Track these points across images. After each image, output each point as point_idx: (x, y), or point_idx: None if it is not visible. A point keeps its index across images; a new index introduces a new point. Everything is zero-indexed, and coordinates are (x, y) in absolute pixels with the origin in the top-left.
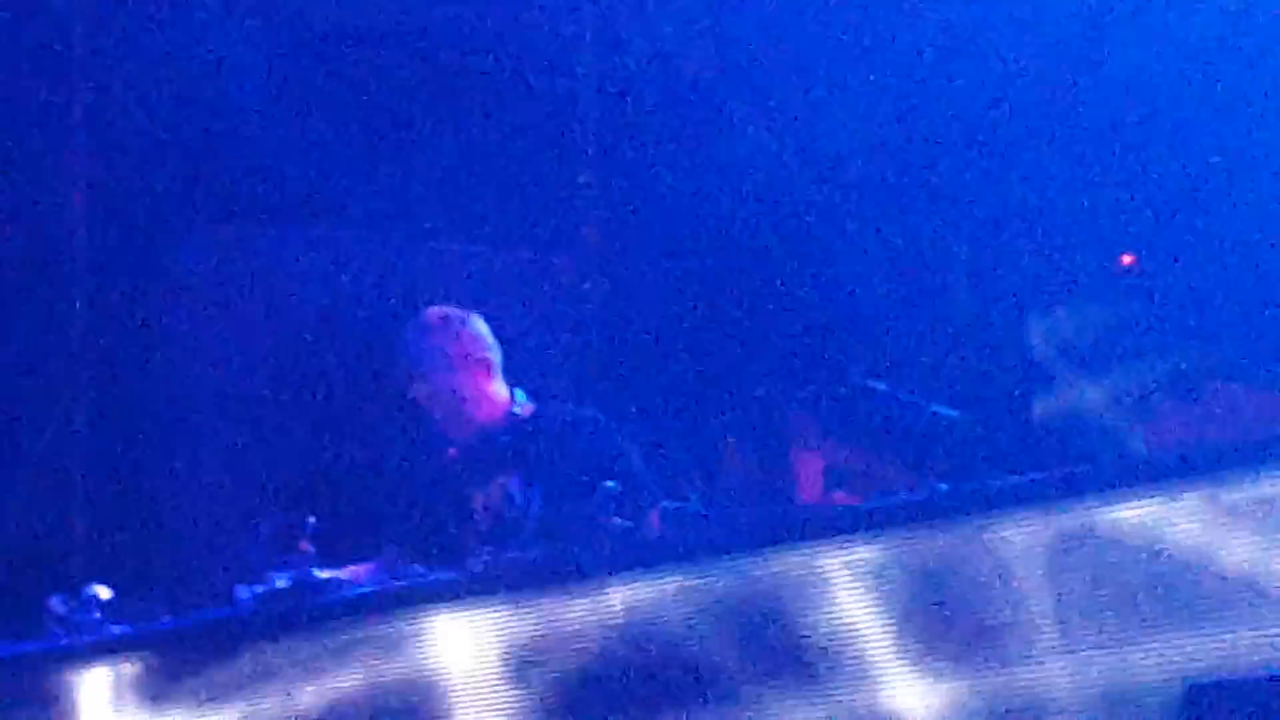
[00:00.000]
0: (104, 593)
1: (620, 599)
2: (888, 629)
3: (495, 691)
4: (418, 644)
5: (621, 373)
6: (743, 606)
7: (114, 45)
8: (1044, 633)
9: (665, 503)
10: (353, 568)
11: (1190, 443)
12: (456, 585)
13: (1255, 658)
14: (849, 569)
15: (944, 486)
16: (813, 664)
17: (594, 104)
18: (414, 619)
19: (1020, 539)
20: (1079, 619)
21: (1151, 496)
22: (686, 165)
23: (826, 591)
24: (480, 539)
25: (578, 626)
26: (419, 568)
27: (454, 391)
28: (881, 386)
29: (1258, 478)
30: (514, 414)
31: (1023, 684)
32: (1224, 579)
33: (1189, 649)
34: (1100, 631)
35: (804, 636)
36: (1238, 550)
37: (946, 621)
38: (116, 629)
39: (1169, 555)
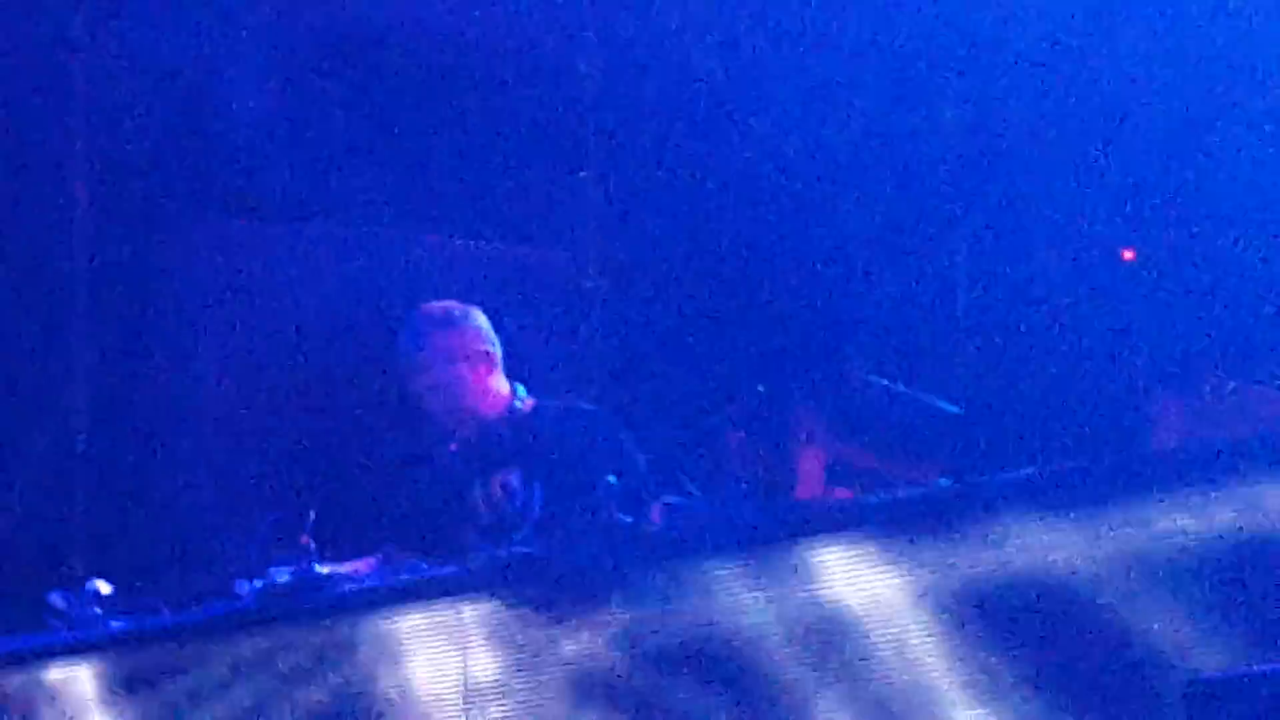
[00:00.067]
0: (104, 587)
1: (621, 594)
2: (888, 626)
3: (497, 687)
4: (418, 639)
5: (623, 368)
6: (743, 605)
7: (114, 42)
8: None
9: (666, 498)
10: (353, 563)
11: (1191, 440)
12: (457, 580)
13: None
14: (850, 565)
15: (946, 482)
16: (813, 663)
17: (595, 97)
18: (414, 614)
19: (1021, 536)
20: (1081, 611)
21: (1153, 493)
22: (687, 160)
23: (827, 590)
24: (481, 534)
25: (579, 621)
26: (419, 563)
27: (454, 386)
28: (883, 382)
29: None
30: (515, 408)
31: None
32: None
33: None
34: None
35: (805, 635)
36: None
37: (948, 619)
38: (116, 624)
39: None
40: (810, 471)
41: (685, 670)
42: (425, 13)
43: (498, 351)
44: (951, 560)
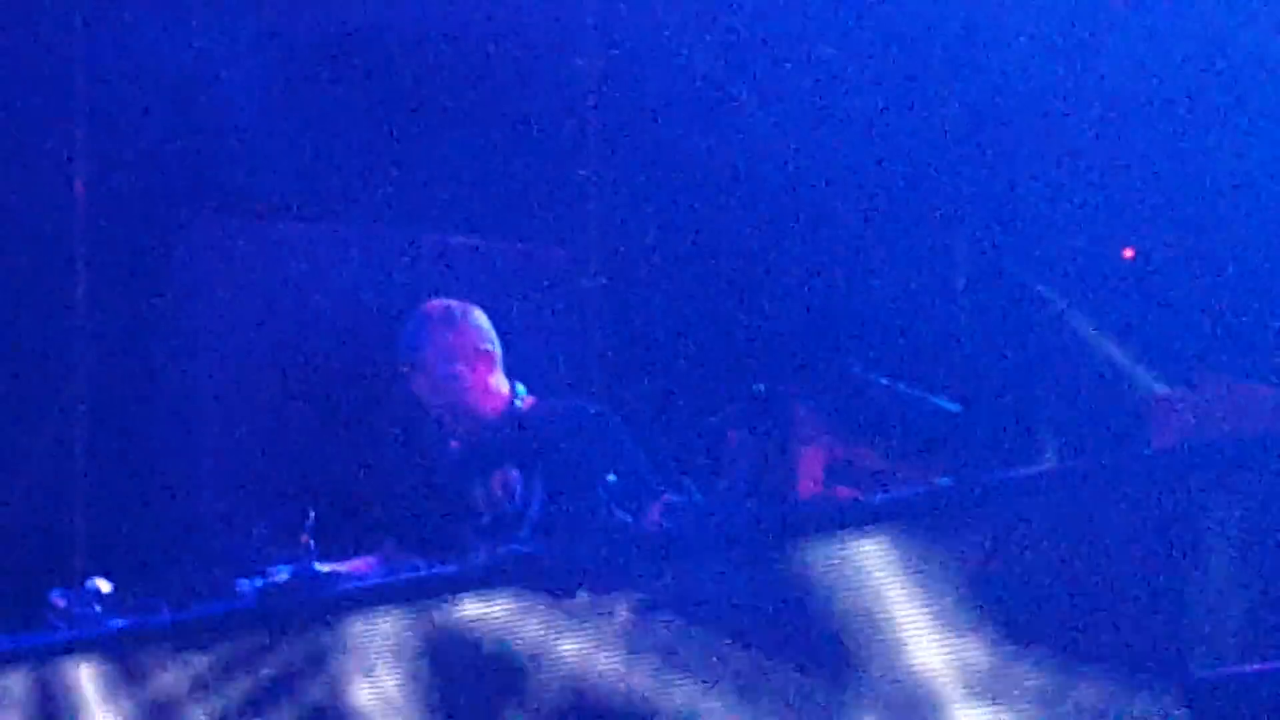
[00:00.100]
0: (105, 586)
1: (620, 592)
2: (890, 623)
3: (498, 684)
4: (418, 637)
5: (622, 366)
6: (745, 603)
7: (115, 41)
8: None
9: (666, 496)
10: (353, 561)
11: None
12: (457, 579)
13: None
14: (851, 563)
15: (946, 481)
16: (813, 661)
17: (595, 96)
18: (414, 612)
19: (1023, 532)
20: (1078, 606)
21: (1147, 490)
22: (687, 158)
23: (828, 587)
24: (481, 533)
25: (579, 619)
26: (419, 561)
27: (454, 385)
28: (883, 380)
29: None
30: (515, 407)
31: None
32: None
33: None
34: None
35: (807, 633)
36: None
37: (948, 616)
38: (117, 622)
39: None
40: (810, 470)
41: (686, 669)
42: (425, 12)
43: (497, 350)
44: (953, 558)
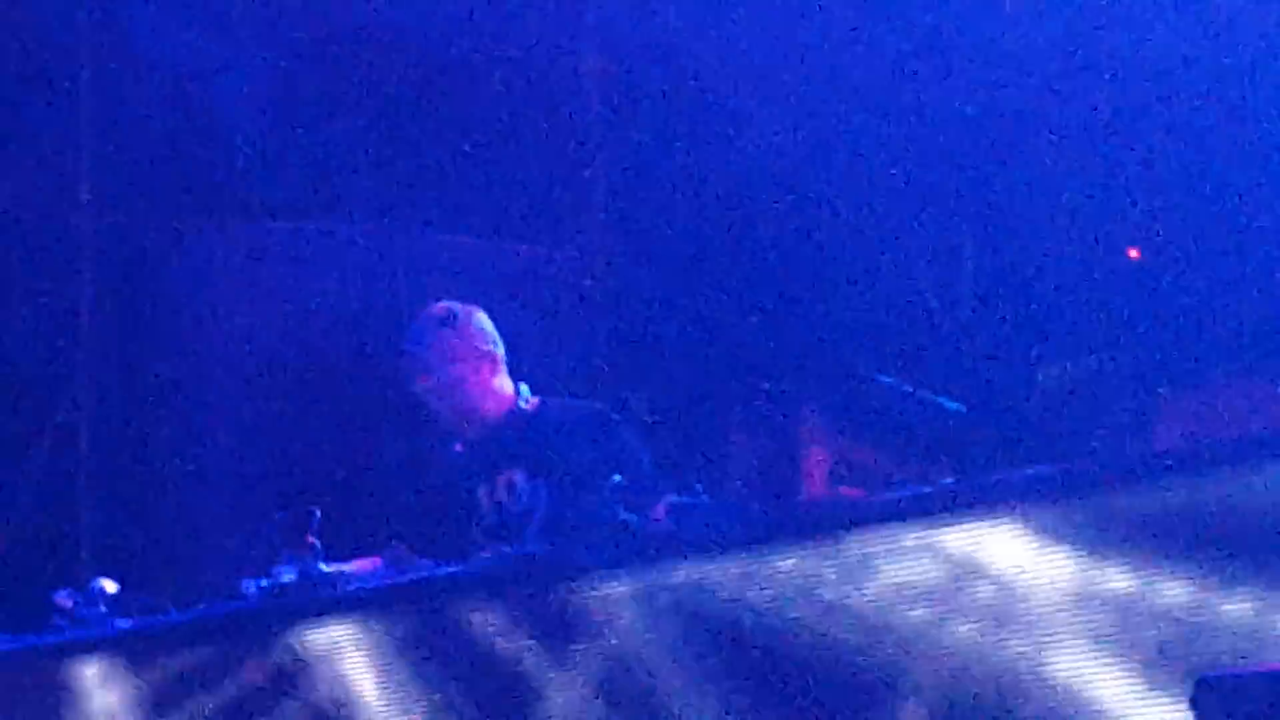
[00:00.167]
0: (110, 586)
1: (626, 593)
2: (892, 622)
3: (504, 686)
4: (423, 638)
5: (628, 367)
6: (745, 602)
7: (119, 45)
8: (1047, 624)
9: (671, 497)
10: (358, 562)
11: (1195, 436)
12: (462, 580)
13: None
14: (851, 564)
15: (949, 480)
16: (816, 660)
17: (600, 97)
18: (419, 613)
19: (1025, 530)
20: (1080, 609)
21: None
22: (692, 159)
23: (830, 586)
24: (486, 534)
25: (584, 620)
26: (424, 562)
27: (457, 388)
28: (888, 381)
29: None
30: (519, 408)
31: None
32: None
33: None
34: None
35: (808, 632)
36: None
37: (948, 615)
38: (122, 623)
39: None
40: (815, 470)
41: (687, 669)
42: (428, 13)
43: (500, 352)
44: (955, 557)
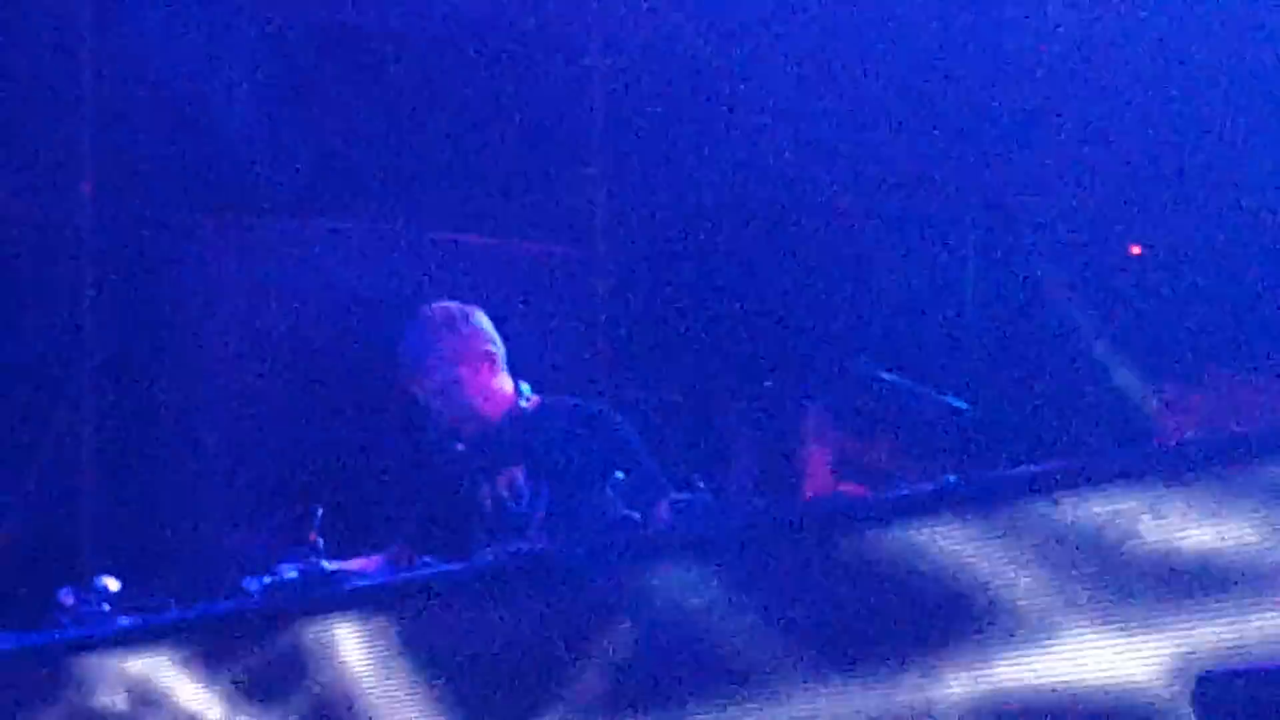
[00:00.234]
0: (112, 584)
1: (628, 591)
2: (893, 622)
3: (506, 684)
4: (426, 636)
5: (630, 364)
6: (746, 602)
7: (121, 45)
8: (1047, 624)
9: (673, 494)
10: (360, 560)
11: (1196, 433)
12: (465, 578)
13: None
14: (852, 564)
15: (953, 478)
16: (815, 660)
17: (602, 94)
18: (420, 611)
19: (1027, 530)
20: (1082, 609)
21: (1155, 485)
22: (694, 158)
23: (830, 586)
24: (487, 533)
25: (586, 619)
26: (426, 560)
27: (457, 388)
28: (891, 377)
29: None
30: (520, 407)
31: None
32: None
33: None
34: (1099, 623)
35: (808, 632)
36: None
37: (948, 614)
38: (125, 620)
39: (1171, 544)
40: (818, 468)
41: (688, 669)
42: (429, 12)
43: (500, 351)
44: (957, 556)
